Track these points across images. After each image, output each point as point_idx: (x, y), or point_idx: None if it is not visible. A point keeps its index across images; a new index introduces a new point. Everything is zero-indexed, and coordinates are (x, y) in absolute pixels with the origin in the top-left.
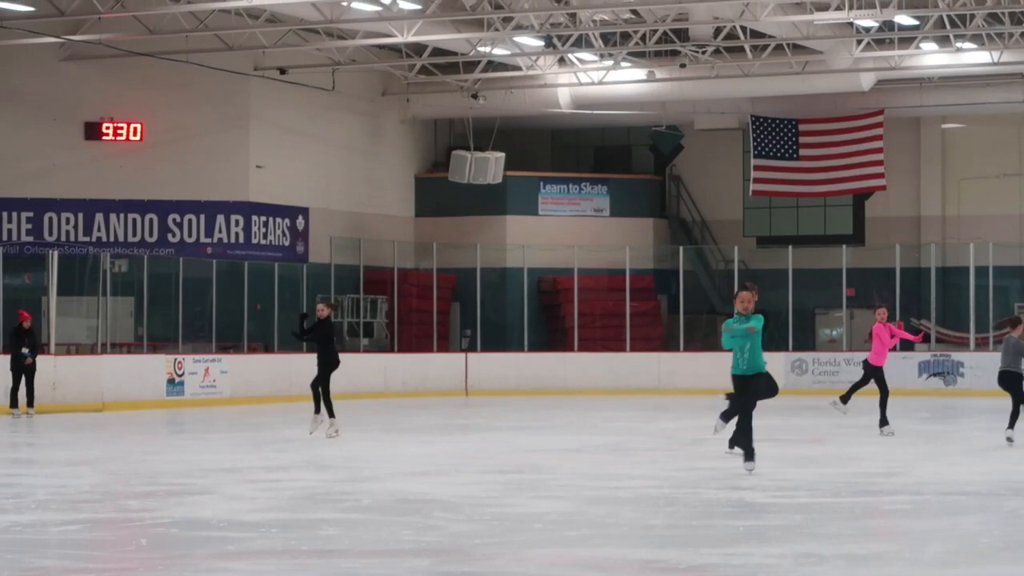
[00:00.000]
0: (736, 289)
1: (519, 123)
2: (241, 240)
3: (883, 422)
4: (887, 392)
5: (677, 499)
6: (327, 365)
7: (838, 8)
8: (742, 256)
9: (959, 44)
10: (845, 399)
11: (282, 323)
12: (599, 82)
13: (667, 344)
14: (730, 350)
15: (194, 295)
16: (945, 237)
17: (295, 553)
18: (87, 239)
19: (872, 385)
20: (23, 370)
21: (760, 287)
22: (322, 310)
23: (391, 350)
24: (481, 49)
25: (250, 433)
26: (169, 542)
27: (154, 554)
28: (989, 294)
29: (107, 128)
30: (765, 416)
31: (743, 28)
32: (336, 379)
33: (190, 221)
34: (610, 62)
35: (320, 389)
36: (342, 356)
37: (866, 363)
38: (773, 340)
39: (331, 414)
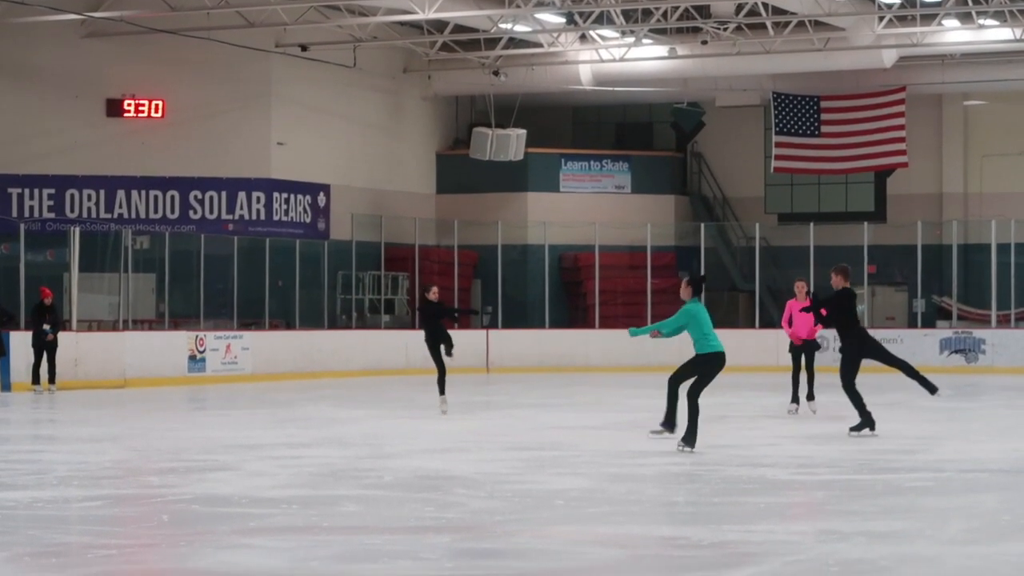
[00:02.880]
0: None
1: (540, 100)
2: (262, 217)
3: (811, 395)
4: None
5: (699, 476)
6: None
7: None
8: (763, 233)
9: (981, 21)
10: (811, 395)
11: (303, 300)
12: (620, 59)
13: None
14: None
15: (215, 272)
16: (967, 214)
17: (316, 529)
18: (109, 216)
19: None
20: (45, 347)
21: (781, 264)
22: (434, 293)
23: (412, 327)
24: (502, 26)
25: (271, 410)
26: (190, 518)
27: (176, 530)
28: (1011, 271)
29: (128, 105)
30: (790, 394)
31: (765, 5)
32: (358, 356)
33: (211, 198)
34: (631, 39)
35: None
36: (364, 333)
37: (807, 343)
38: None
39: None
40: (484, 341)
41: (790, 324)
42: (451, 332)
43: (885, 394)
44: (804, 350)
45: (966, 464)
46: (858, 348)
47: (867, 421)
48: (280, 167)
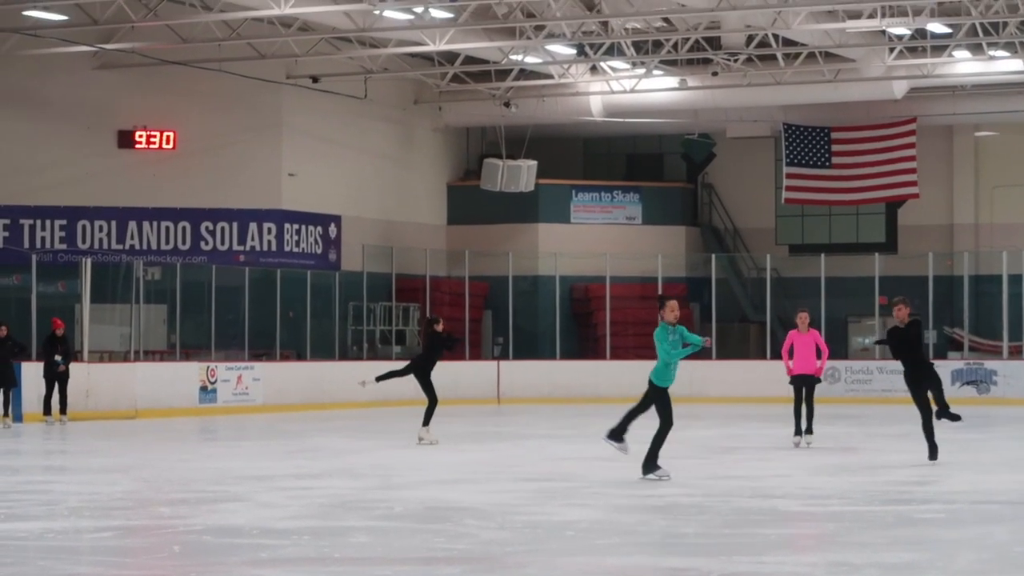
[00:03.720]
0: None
1: (551, 131)
2: (274, 248)
3: (810, 429)
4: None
5: (709, 507)
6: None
7: (870, 16)
8: (774, 264)
9: (992, 52)
10: (809, 430)
11: (314, 330)
12: (631, 90)
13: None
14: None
15: (227, 303)
16: (978, 245)
17: (327, 561)
18: (120, 247)
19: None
20: (56, 378)
21: (792, 295)
22: (441, 324)
23: None
24: (513, 57)
25: (282, 441)
26: (202, 549)
27: (187, 561)
28: (1022, 302)
29: (140, 136)
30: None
31: (775, 36)
32: (369, 387)
33: (223, 229)
34: (642, 70)
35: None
36: (375, 364)
37: (807, 377)
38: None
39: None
40: (495, 372)
41: (790, 355)
42: (463, 362)
43: (896, 425)
44: (804, 383)
45: (977, 495)
46: (924, 376)
47: (932, 451)
48: (291, 198)
